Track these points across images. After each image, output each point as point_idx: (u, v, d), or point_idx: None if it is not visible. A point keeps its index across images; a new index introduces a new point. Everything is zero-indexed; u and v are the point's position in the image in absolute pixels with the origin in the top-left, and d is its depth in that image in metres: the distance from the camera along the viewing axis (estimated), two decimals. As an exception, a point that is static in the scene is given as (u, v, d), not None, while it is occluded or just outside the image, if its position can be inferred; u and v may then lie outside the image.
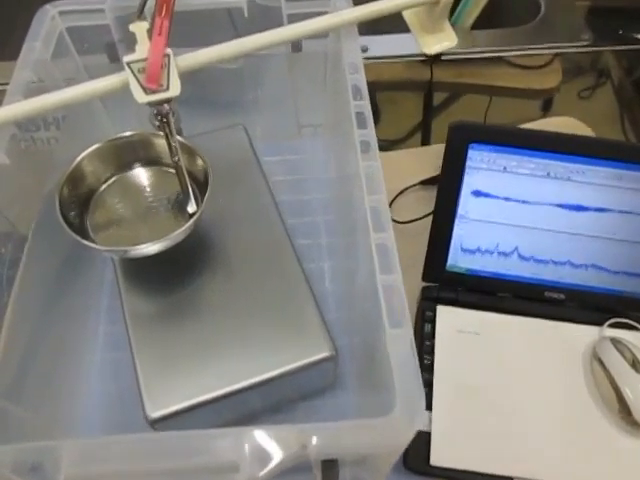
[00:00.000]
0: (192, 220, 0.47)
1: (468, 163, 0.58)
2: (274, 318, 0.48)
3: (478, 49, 0.77)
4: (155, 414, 0.44)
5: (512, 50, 0.78)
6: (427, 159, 0.75)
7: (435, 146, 0.77)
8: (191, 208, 0.49)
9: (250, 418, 0.52)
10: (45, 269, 0.53)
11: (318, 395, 0.53)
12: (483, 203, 0.59)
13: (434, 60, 0.75)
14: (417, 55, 0.80)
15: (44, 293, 0.52)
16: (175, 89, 0.46)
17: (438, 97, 0.84)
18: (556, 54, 0.83)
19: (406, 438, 0.32)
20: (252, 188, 0.56)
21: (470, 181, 0.58)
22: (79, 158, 0.50)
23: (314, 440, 0.32)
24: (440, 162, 0.73)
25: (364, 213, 0.41)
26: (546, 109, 0.83)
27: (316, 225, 0.63)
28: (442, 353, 0.58)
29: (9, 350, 0.45)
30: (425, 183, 0.71)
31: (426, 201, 0.66)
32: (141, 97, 0.46)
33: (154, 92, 0.46)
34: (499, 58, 0.83)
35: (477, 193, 0.59)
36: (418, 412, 0.33)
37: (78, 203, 0.50)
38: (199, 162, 0.50)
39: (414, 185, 0.71)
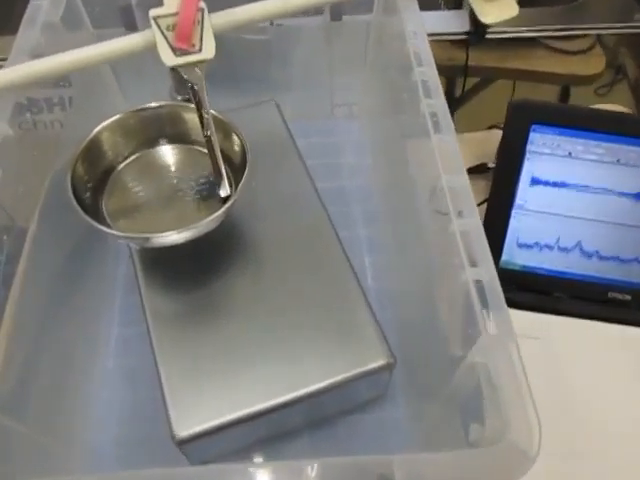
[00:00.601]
0: (226, 206, 0.40)
1: (529, 147, 0.51)
2: (320, 320, 0.41)
3: (524, 28, 0.70)
4: (184, 433, 0.37)
5: (559, 30, 0.71)
6: (467, 146, 0.68)
7: (476, 133, 0.70)
8: (224, 192, 0.41)
9: (285, 435, 0.45)
10: (49, 263, 0.46)
11: (362, 408, 0.46)
12: (544, 192, 0.52)
13: (477, 40, 0.68)
14: (451, 34, 0.73)
15: (48, 290, 0.45)
16: (209, 50, 0.39)
17: (460, 84, 0.77)
18: (599, 38, 0.77)
19: (521, 472, 0.25)
20: (289, 171, 0.49)
21: (530, 167, 0.52)
22: (97, 129, 0.43)
23: (400, 476, 0.25)
24: (483, 149, 0.67)
25: (441, 197, 0.34)
26: (563, 108, 0.77)
27: (353, 215, 0.56)
28: (497, 360, 0.51)
29: (9, 357, 0.38)
30: (469, 172, 0.64)
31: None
32: (170, 59, 0.39)
33: (185, 53, 0.39)
34: (538, 42, 0.76)
35: (538, 181, 0.52)
36: (534, 439, 0.26)
37: (93, 183, 0.43)
38: (235, 139, 0.43)
39: (456, 174, 0.64)
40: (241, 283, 0.43)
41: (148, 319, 0.42)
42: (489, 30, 0.68)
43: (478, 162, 0.66)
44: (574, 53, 0.78)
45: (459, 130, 0.73)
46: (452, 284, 0.32)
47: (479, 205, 0.56)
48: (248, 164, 0.41)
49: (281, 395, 0.38)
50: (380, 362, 0.40)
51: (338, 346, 0.40)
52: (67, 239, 0.47)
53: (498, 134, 0.57)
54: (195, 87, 0.39)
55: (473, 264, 0.31)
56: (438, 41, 0.74)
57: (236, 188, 0.42)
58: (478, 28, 0.66)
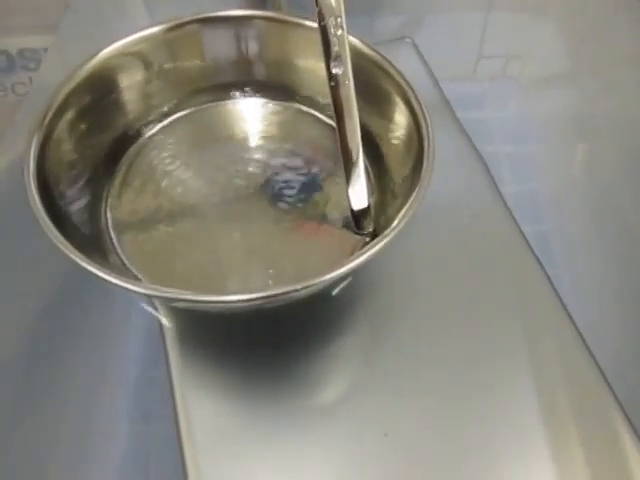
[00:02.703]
0: (379, 246, 0.17)
1: None
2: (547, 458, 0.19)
3: None
4: None
5: None
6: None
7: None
8: (358, 203, 0.20)
9: None
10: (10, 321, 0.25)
11: None
12: None
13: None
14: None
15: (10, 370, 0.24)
16: None
17: None
18: None
19: None
20: (452, 153, 0.26)
21: None
22: (106, 52, 0.20)
23: None
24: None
25: None
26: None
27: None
28: None
29: None
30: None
31: None
32: None
33: None
34: None
35: None
36: None
37: (90, 164, 0.20)
38: (394, 101, 0.20)
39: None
40: (375, 385, 0.21)
41: (183, 440, 0.21)
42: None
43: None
44: None
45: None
46: None
47: None
48: (426, 165, 0.18)
49: None
50: None
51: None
52: (36, 280, 0.25)
53: None
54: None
55: None
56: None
57: (382, 201, 0.20)
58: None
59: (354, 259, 0.16)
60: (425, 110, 0.19)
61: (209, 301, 0.16)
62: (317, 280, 0.16)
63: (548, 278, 0.24)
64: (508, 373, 0.21)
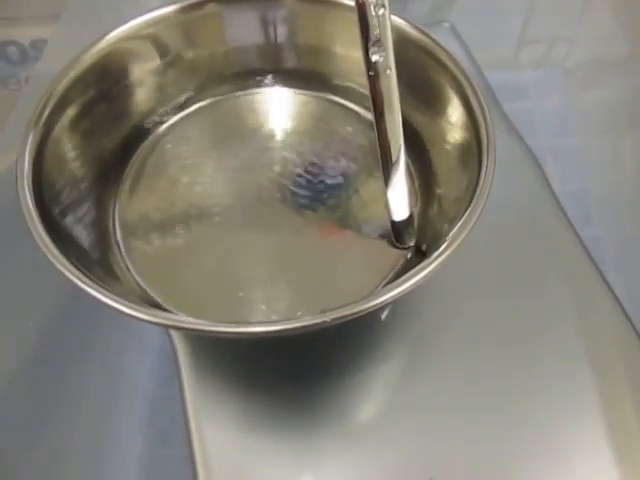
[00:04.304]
0: (433, 265, 0.14)
1: None
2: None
3: None
4: None
5: None
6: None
7: None
8: (400, 213, 0.17)
9: None
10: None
11: None
12: None
13: None
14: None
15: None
16: None
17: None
18: None
19: None
20: (503, 154, 0.23)
21: None
22: (112, 35, 0.18)
23: None
24: None
25: None
26: None
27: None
28: None
29: None
30: None
31: None
32: None
33: None
34: None
35: None
36: None
37: (95, 163, 0.18)
38: (446, 94, 0.17)
39: None
40: (411, 415, 0.18)
41: (197, 463, 0.19)
42: None
43: None
44: None
45: None
46: None
47: None
48: (485, 173, 0.15)
49: None
50: None
51: None
52: (43, 294, 0.23)
53: None
54: None
55: None
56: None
57: (427, 211, 0.17)
58: None
59: (397, 286, 0.14)
60: (486, 108, 0.16)
61: (222, 332, 0.14)
62: (351, 310, 0.14)
63: (611, 289, 0.22)
64: (574, 401, 0.18)
